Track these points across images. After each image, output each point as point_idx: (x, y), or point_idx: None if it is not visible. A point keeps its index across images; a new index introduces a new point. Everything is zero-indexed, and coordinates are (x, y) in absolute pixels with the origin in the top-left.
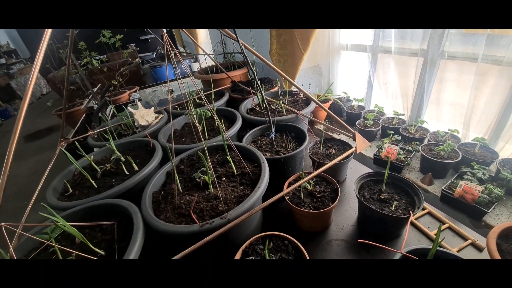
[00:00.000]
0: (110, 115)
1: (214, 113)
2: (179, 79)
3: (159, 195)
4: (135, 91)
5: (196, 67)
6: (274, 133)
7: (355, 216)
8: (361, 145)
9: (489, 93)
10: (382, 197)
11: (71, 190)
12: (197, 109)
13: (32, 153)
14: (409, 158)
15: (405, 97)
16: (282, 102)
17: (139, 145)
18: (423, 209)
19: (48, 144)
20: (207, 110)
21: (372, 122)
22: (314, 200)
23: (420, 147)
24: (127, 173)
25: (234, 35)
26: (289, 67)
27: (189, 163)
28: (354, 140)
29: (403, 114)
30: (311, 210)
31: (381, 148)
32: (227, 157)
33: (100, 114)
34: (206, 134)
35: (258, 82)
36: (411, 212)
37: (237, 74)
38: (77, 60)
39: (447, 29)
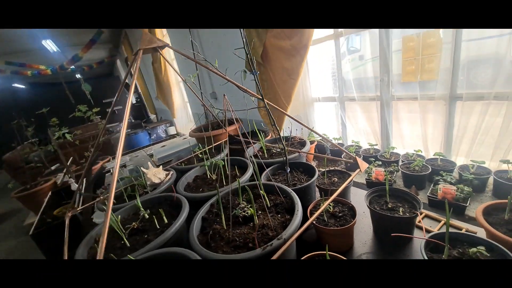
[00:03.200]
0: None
1: (228, 161)
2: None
3: (204, 238)
4: (108, 161)
5: (172, 131)
6: (288, 169)
7: (371, 231)
8: (363, 165)
9: (432, 119)
10: (390, 206)
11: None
12: (212, 160)
13: None
14: (393, 177)
15: (374, 131)
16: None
17: (158, 201)
18: (421, 213)
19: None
20: (219, 159)
21: (354, 154)
22: (337, 219)
23: (399, 166)
24: (158, 226)
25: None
26: (275, 118)
27: (219, 207)
28: (355, 161)
29: (376, 145)
30: (339, 227)
31: (370, 173)
32: (261, 191)
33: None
34: (223, 181)
35: (261, 133)
36: (418, 212)
37: (232, 129)
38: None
39: (391, 79)
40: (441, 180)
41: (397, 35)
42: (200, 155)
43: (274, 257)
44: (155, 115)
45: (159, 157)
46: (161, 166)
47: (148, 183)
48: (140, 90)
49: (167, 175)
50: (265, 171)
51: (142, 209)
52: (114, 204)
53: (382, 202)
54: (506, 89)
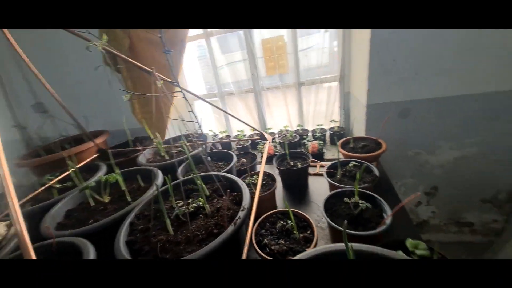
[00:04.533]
0: None
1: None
2: None
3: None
4: None
5: None
6: (209, 157)
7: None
8: (269, 137)
9: (291, 101)
10: (291, 163)
11: None
12: (99, 177)
13: None
14: (278, 149)
15: (253, 118)
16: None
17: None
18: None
19: None
20: (111, 175)
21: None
22: (263, 187)
23: (279, 139)
24: None
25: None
26: (156, 121)
27: (145, 217)
28: (263, 139)
29: (257, 129)
30: (267, 192)
31: (262, 150)
32: (198, 181)
33: None
34: (128, 197)
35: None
36: (309, 161)
37: (101, 141)
38: None
39: (259, 74)
40: (306, 141)
41: (258, 38)
42: (59, 185)
43: (250, 223)
44: None
45: None
46: None
47: None
48: None
49: (8, 226)
50: (179, 169)
51: None
52: None
53: (285, 163)
54: (327, 75)
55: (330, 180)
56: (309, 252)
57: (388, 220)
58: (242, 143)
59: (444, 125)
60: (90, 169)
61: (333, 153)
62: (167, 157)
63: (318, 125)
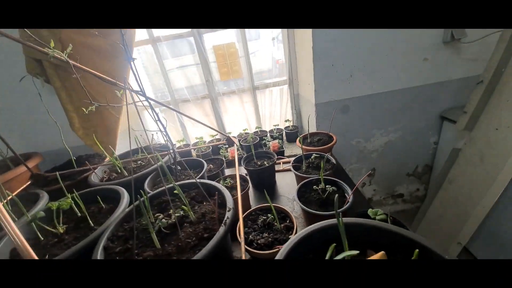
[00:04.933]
0: None
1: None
2: None
3: None
4: None
5: None
6: (179, 167)
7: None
8: (235, 140)
9: (247, 105)
10: (258, 163)
11: None
12: (49, 205)
13: None
14: (241, 152)
15: (211, 124)
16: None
17: None
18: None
19: None
20: (63, 200)
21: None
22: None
23: (241, 143)
24: None
25: None
26: (103, 135)
27: (120, 238)
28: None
29: (216, 135)
30: (242, 192)
31: (226, 154)
32: (175, 191)
33: None
34: (91, 222)
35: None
36: (275, 159)
37: (33, 166)
38: None
39: (213, 79)
40: (267, 141)
41: (209, 43)
42: None
43: (240, 221)
44: None
45: None
46: None
47: None
48: None
49: None
50: (146, 182)
51: None
52: None
53: (253, 163)
54: (278, 79)
55: (297, 173)
56: (294, 238)
57: (350, 198)
58: (203, 150)
59: (374, 117)
60: (26, 198)
61: (291, 150)
62: (125, 173)
63: (274, 125)
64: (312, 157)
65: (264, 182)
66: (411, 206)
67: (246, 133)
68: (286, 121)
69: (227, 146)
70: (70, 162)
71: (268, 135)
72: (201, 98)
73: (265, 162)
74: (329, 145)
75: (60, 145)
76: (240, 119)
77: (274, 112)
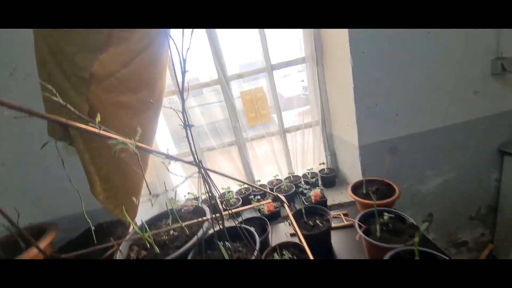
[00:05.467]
0: None
1: None
2: None
3: None
4: None
5: None
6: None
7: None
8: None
9: (277, 149)
10: (311, 223)
11: None
12: None
13: None
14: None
15: (239, 172)
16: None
17: None
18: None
19: None
20: None
21: (272, 195)
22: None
23: (275, 192)
24: None
25: None
26: (124, 198)
27: None
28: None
29: (244, 183)
30: None
31: (262, 208)
32: None
33: None
34: None
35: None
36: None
37: (46, 245)
38: None
39: (241, 125)
40: (304, 190)
41: (236, 90)
42: None
43: None
44: None
45: None
46: None
47: None
48: None
49: None
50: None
51: None
52: None
53: (302, 222)
54: (310, 119)
55: (369, 239)
56: None
57: None
58: (232, 203)
59: (426, 156)
60: None
61: (333, 197)
62: (156, 250)
63: (308, 169)
64: (385, 217)
65: (318, 248)
66: (476, 255)
67: (277, 179)
68: (320, 164)
69: (259, 197)
70: (88, 232)
71: (302, 180)
72: (227, 145)
73: (317, 221)
74: (392, 198)
75: (76, 210)
76: (269, 165)
77: (306, 155)
